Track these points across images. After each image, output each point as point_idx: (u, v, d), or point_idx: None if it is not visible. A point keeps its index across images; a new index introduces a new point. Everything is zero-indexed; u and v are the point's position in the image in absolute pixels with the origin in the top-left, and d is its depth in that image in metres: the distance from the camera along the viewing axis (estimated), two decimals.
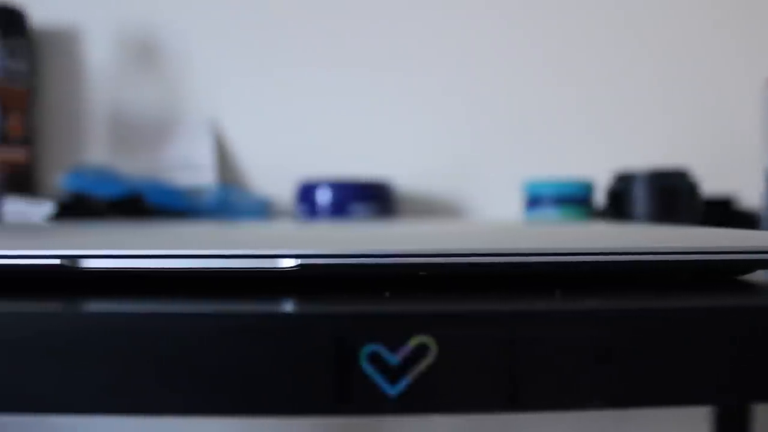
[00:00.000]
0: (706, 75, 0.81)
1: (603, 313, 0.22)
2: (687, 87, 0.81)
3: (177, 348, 0.21)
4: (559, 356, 0.21)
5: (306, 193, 0.68)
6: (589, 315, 0.22)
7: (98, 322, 0.22)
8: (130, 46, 0.81)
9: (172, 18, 0.80)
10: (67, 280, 0.28)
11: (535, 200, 0.64)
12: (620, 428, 0.81)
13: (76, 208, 0.64)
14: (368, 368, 0.20)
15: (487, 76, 0.80)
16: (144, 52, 0.81)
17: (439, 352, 0.20)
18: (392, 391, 0.20)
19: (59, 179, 0.76)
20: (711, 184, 0.79)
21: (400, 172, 0.79)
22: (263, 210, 0.72)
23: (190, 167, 0.76)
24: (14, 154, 0.74)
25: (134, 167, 0.78)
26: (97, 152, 0.81)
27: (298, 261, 0.25)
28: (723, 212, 0.71)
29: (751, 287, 0.28)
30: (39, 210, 0.65)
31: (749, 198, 0.79)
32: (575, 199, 0.63)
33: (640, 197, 0.63)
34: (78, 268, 0.26)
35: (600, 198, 0.70)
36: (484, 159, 0.80)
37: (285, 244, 0.26)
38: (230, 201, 0.69)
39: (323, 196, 0.67)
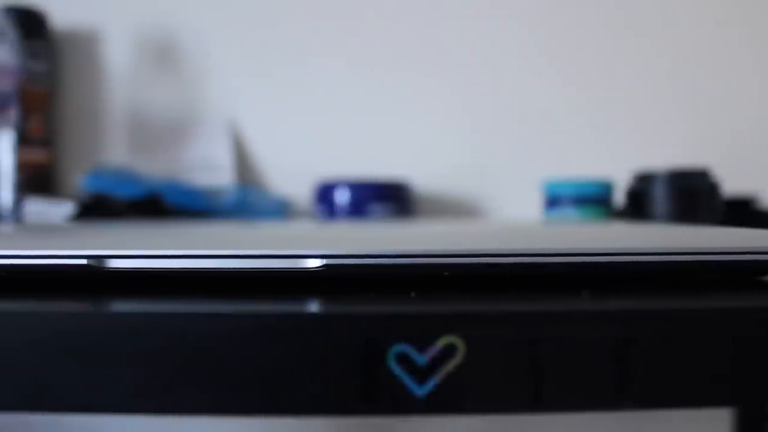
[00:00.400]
0: (726, 74, 0.80)
1: (628, 314, 0.22)
2: (707, 86, 0.80)
3: (204, 348, 0.21)
4: (585, 357, 0.21)
5: (324, 194, 0.68)
6: (615, 315, 0.22)
7: (125, 322, 0.22)
8: (149, 47, 0.81)
9: (191, 19, 0.81)
10: (91, 280, 0.28)
11: (554, 200, 0.64)
12: (640, 429, 0.80)
13: (96, 208, 0.64)
14: (396, 368, 0.20)
15: (506, 76, 0.80)
16: (163, 54, 0.81)
17: (467, 353, 0.20)
18: (420, 391, 0.20)
19: (79, 180, 0.76)
20: (731, 184, 0.78)
21: (418, 172, 0.79)
22: (281, 210, 0.72)
23: (209, 168, 0.76)
24: (35, 155, 0.75)
25: (153, 168, 0.79)
26: (116, 153, 0.81)
27: (324, 261, 0.25)
28: (743, 212, 0.70)
29: None
30: (59, 210, 0.65)
31: None
32: (595, 199, 0.63)
33: (660, 197, 0.62)
34: (104, 268, 0.26)
35: (619, 198, 0.69)
36: (503, 159, 0.79)
37: (310, 245, 0.26)
38: (249, 201, 0.69)
39: (342, 197, 0.67)
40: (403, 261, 0.25)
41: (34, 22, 0.76)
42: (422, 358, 0.20)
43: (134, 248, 0.26)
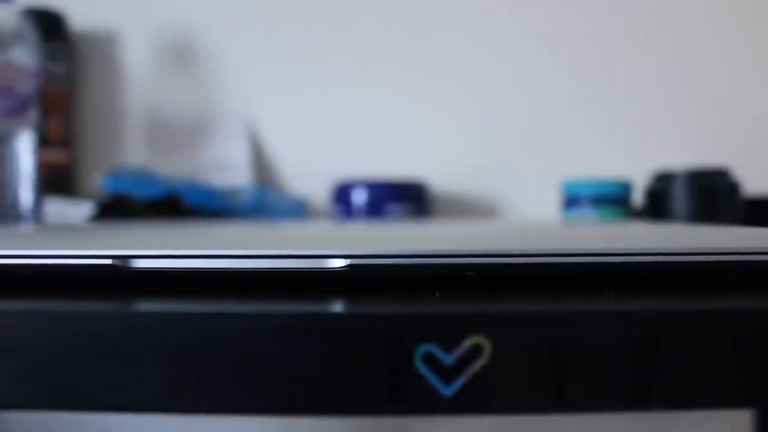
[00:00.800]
0: (747, 72, 0.80)
1: (653, 314, 0.22)
2: (727, 84, 0.80)
3: (229, 348, 0.21)
4: (610, 357, 0.21)
5: (342, 194, 0.69)
6: (641, 316, 0.22)
7: (150, 321, 0.22)
8: (167, 48, 0.82)
9: (208, 20, 0.81)
10: (113, 280, 0.28)
11: (572, 200, 0.64)
12: (657, 428, 0.80)
13: (115, 208, 0.65)
14: (422, 368, 0.20)
15: (524, 75, 0.80)
16: (180, 54, 0.82)
17: (493, 353, 0.20)
18: (446, 391, 0.20)
19: (98, 180, 0.77)
20: (752, 184, 0.77)
21: (435, 172, 0.79)
22: (299, 210, 0.72)
23: (226, 168, 0.76)
24: (54, 156, 0.76)
25: (171, 168, 0.79)
26: (134, 153, 0.82)
27: (348, 261, 0.25)
28: (764, 212, 0.70)
29: None
30: (79, 210, 0.65)
31: None
32: (613, 199, 0.63)
33: (679, 197, 0.62)
34: (129, 268, 0.26)
35: (638, 198, 0.69)
36: (520, 158, 0.79)
37: (333, 245, 0.26)
38: (266, 201, 0.69)
39: (359, 197, 0.67)
40: (427, 261, 0.24)
41: (54, 23, 0.76)
42: (449, 358, 0.20)
43: (158, 248, 0.26)
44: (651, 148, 0.79)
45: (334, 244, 0.27)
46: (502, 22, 0.80)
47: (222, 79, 0.81)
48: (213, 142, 0.79)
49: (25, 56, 0.64)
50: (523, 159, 0.79)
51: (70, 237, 0.33)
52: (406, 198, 0.67)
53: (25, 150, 0.65)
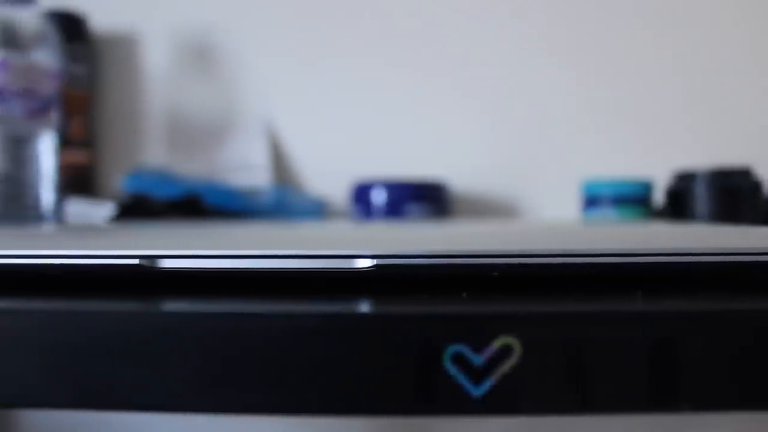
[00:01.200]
0: None
1: (683, 315, 0.22)
2: (749, 82, 0.79)
3: (257, 348, 0.21)
4: (640, 358, 0.21)
5: (361, 194, 0.69)
6: (670, 316, 0.21)
7: (178, 321, 0.22)
8: (187, 49, 0.82)
9: (228, 21, 0.81)
10: (138, 280, 0.28)
11: (592, 200, 0.64)
12: (689, 428, 0.79)
13: (136, 209, 0.65)
14: (452, 369, 0.20)
15: (545, 75, 0.79)
16: (200, 55, 0.82)
17: (523, 353, 0.20)
18: (476, 392, 0.20)
19: (119, 181, 0.77)
20: None
21: (455, 172, 0.79)
22: (318, 211, 0.72)
23: (246, 168, 0.77)
24: (75, 157, 0.76)
25: (191, 168, 0.79)
26: (154, 154, 0.82)
27: (374, 261, 0.25)
28: None
29: None
30: (100, 211, 0.66)
31: None
32: (634, 199, 0.62)
33: (701, 197, 0.61)
34: (156, 268, 0.26)
35: (659, 198, 0.69)
36: (540, 158, 0.79)
37: (357, 245, 0.26)
38: (286, 202, 0.69)
39: (378, 197, 0.67)
40: (454, 261, 0.24)
41: (75, 25, 0.77)
42: (478, 359, 0.20)
43: (184, 248, 0.26)
44: (672, 148, 0.79)
45: (359, 244, 0.26)
46: (522, 23, 0.79)
47: (241, 79, 0.81)
48: (232, 143, 0.79)
49: (47, 58, 0.65)
50: (543, 159, 0.79)
51: (94, 237, 0.33)
52: (425, 198, 0.67)
53: (47, 151, 0.65)
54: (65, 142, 0.73)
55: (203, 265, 0.26)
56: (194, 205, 0.65)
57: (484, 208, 0.79)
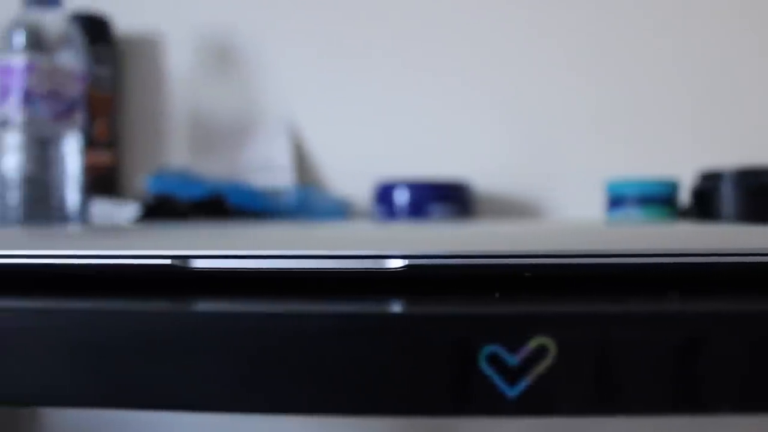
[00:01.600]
0: None
1: (718, 316, 0.21)
2: None
3: (292, 348, 0.21)
4: (677, 359, 0.21)
5: (384, 194, 0.69)
6: (706, 317, 0.21)
7: (210, 321, 0.22)
8: (209, 50, 0.83)
9: (249, 22, 0.82)
10: (167, 280, 0.28)
11: (617, 200, 0.63)
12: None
13: (160, 209, 0.65)
14: (487, 369, 0.20)
15: (568, 73, 0.79)
16: (222, 56, 0.83)
17: (559, 354, 0.20)
18: (511, 392, 0.20)
19: (142, 181, 0.77)
20: None
21: (477, 172, 0.79)
22: (341, 211, 0.72)
23: (269, 168, 0.77)
24: (100, 157, 0.77)
25: (213, 169, 0.80)
26: (177, 155, 0.83)
27: (406, 262, 0.25)
28: None
29: None
30: (124, 211, 0.66)
31: None
32: (660, 199, 0.62)
33: (727, 196, 0.61)
34: (188, 268, 0.26)
35: (684, 197, 0.68)
36: (564, 158, 0.79)
37: (388, 245, 0.26)
38: (309, 202, 0.69)
39: (401, 197, 0.67)
40: (486, 261, 0.24)
41: (99, 27, 0.78)
42: (514, 359, 0.20)
43: (216, 249, 0.26)
44: (698, 147, 0.78)
45: (389, 245, 0.26)
46: (544, 23, 0.79)
47: (263, 80, 0.82)
48: (255, 143, 0.79)
49: (72, 60, 0.65)
50: (566, 159, 0.79)
51: (123, 237, 0.33)
52: (448, 198, 0.67)
53: (72, 152, 0.66)
54: (89, 143, 0.74)
55: (235, 265, 0.26)
56: (218, 205, 0.65)
57: (506, 209, 0.79)
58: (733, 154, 0.78)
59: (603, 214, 0.75)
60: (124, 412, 0.80)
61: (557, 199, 0.79)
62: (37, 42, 0.64)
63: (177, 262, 0.26)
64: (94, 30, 0.76)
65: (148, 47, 0.83)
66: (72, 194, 0.66)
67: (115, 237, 0.33)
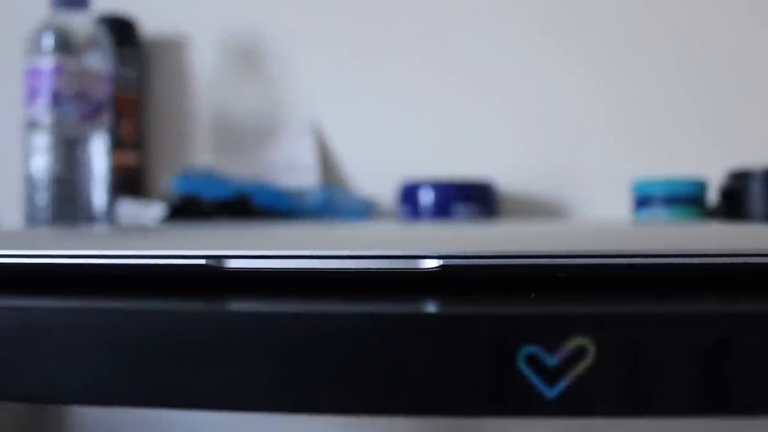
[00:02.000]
0: None
1: (758, 317, 0.21)
2: None
3: (330, 348, 0.21)
4: (717, 360, 0.21)
5: (409, 194, 0.68)
6: (747, 318, 0.21)
7: (246, 321, 0.22)
8: (234, 51, 0.83)
9: (274, 22, 0.82)
10: (198, 280, 0.28)
11: (644, 200, 0.63)
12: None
13: (186, 209, 0.66)
14: (525, 369, 0.20)
15: (593, 72, 0.78)
16: (247, 57, 0.83)
17: (597, 354, 0.20)
18: (550, 393, 0.20)
19: (168, 181, 0.78)
20: None
21: (502, 172, 0.78)
22: (366, 211, 0.72)
23: (293, 169, 0.77)
24: (126, 158, 0.77)
25: (238, 169, 0.80)
26: (202, 155, 0.83)
27: (441, 262, 0.25)
28: None
29: None
30: (151, 211, 0.67)
31: None
32: (687, 199, 0.61)
33: (756, 196, 0.60)
34: (222, 268, 0.26)
35: (712, 197, 0.67)
36: (589, 158, 0.78)
37: (422, 245, 0.26)
38: (333, 202, 0.69)
39: (426, 197, 0.67)
40: (521, 261, 0.24)
41: (125, 29, 0.78)
42: (552, 360, 0.20)
43: (250, 249, 0.26)
44: (726, 146, 0.77)
45: (422, 245, 0.26)
46: (569, 22, 0.79)
47: (288, 80, 0.82)
48: (279, 143, 0.80)
49: (99, 62, 0.66)
50: (592, 158, 0.78)
51: (154, 238, 0.33)
52: (473, 198, 0.67)
53: (98, 153, 0.66)
54: (115, 144, 0.74)
55: (270, 265, 0.26)
56: (244, 205, 0.66)
57: (530, 209, 0.78)
58: (763, 153, 0.77)
59: (629, 215, 0.75)
60: (150, 412, 0.81)
61: (582, 200, 0.78)
62: (65, 44, 0.65)
63: (211, 262, 0.26)
64: (121, 32, 0.77)
65: (173, 48, 0.84)
66: (98, 195, 0.66)
67: (147, 237, 0.33)
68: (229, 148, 0.83)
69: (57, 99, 0.64)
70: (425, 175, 0.79)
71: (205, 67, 0.83)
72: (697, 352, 0.21)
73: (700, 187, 0.62)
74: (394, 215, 0.77)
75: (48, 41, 0.64)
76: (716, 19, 0.78)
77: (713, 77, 0.78)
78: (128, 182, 0.78)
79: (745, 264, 0.26)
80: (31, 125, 0.65)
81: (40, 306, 0.24)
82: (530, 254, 0.24)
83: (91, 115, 0.66)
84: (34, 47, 0.65)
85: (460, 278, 0.26)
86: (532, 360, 0.20)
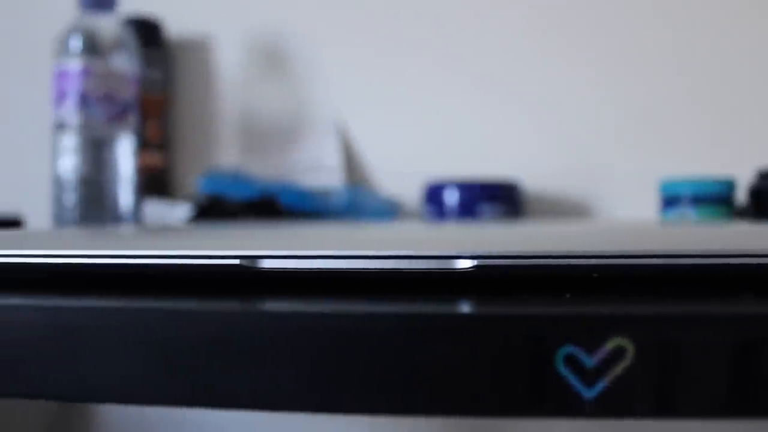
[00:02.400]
0: None
1: None
2: None
3: (367, 348, 0.21)
4: (757, 361, 0.20)
5: (434, 194, 0.68)
6: None
7: (280, 321, 0.22)
8: (259, 51, 0.83)
9: (298, 22, 0.82)
10: (231, 280, 0.28)
11: (671, 200, 0.62)
12: None
13: (212, 210, 0.66)
14: (564, 370, 0.20)
15: (619, 70, 0.78)
16: (272, 57, 0.83)
17: (636, 355, 0.20)
18: (588, 394, 0.20)
19: (193, 182, 0.78)
20: None
21: (527, 172, 0.78)
22: (391, 211, 0.72)
23: (318, 169, 0.77)
24: (152, 159, 0.78)
25: (263, 170, 0.80)
26: (227, 156, 0.84)
27: (475, 262, 0.25)
28: None
29: None
30: (177, 212, 0.67)
31: None
32: (716, 199, 0.61)
33: None
34: (256, 268, 0.26)
35: (741, 197, 0.67)
36: (615, 157, 0.78)
37: (454, 245, 0.26)
38: (359, 202, 0.70)
39: (451, 197, 0.67)
40: (557, 262, 0.24)
41: (150, 31, 0.79)
42: (591, 361, 0.20)
43: (284, 249, 0.26)
44: (755, 145, 0.76)
45: (454, 245, 0.26)
46: (597, 21, 0.78)
47: (312, 80, 0.82)
48: (304, 144, 0.80)
49: (125, 63, 0.67)
50: (618, 158, 0.77)
51: (185, 238, 0.33)
52: (498, 198, 0.67)
53: (125, 154, 0.67)
54: (141, 145, 0.75)
55: (304, 265, 0.26)
56: (270, 205, 0.66)
57: (556, 209, 0.78)
58: None
59: (655, 214, 0.74)
60: (175, 412, 0.81)
61: (607, 199, 0.78)
62: (92, 46, 0.65)
63: (245, 262, 0.26)
64: (146, 33, 0.77)
65: (198, 49, 0.84)
66: (125, 195, 0.67)
67: (178, 237, 0.34)
68: (254, 148, 0.83)
69: (85, 100, 0.65)
70: (450, 176, 0.78)
71: (229, 68, 0.84)
72: (737, 353, 0.20)
73: (729, 186, 0.61)
74: (419, 215, 0.76)
75: (76, 43, 0.65)
76: (748, 14, 0.77)
77: (743, 74, 0.77)
78: (154, 183, 0.78)
79: None
80: (60, 126, 0.65)
81: (74, 306, 0.24)
82: (566, 254, 0.24)
83: (118, 116, 0.66)
84: (62, 49, 0.65)
85: (494, 279, 0.26)
86: (570, 361, 0.20)
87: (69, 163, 0.65)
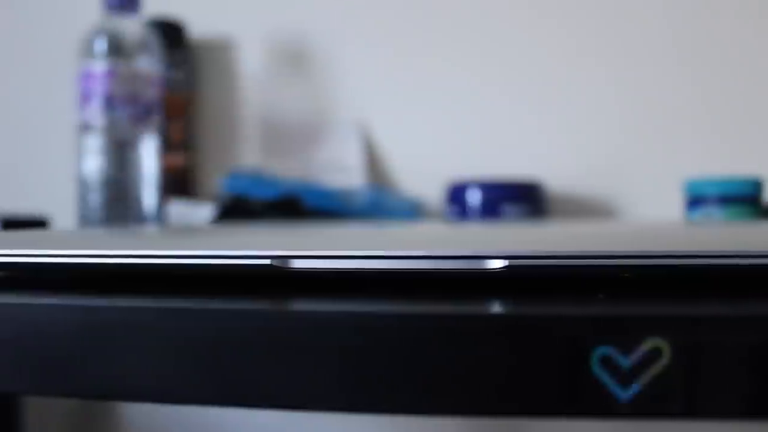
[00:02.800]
0: None
1: None
2: None
3: (400, 348, 0.21)
4: None
5: (456, 194, 0.68)
6: None
7: (312, 321, 0.22)
8: (281, 52, 0.84)
9: (321, 23, 0.83)
10: (260, 280, 0.29)
11: (697, 200, 0.62)
12: None
13: (236, 209, 0.66)
14: (599, 371, 0.20)
15: (643, 69, 0.77)
16: (294, 58, 0.84)
17: (672, 356, 0.20)
18: (624, 395, 0.20)
19: (216, 182, 0.79)
20: None
21: (551, 172, 0.78)
22: (413, 211, 0.72)
23: (340, 169, 0.78)
24: (175, 159, 0.78)
25: (286, 170, 0.81)
26: (250, 156, 0.84)
27: (506, 262, 0.25)
28: None
29: None
30: (201, 212, 0.68)
31: None
32: (742, 198, 0.60)
33: None
34: (287, 268, 0.26)
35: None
36: (639, 157, 0.77)
37: (488, 245, 0.26)
38: (381, 202, 0.70)
39: (474, 197, 0.67)
40: (589, 262, 0.24)
41: (174, 32, 0.79)
42: (626, 361, 0.20)
43: (315, 249, 0.26)
44: None
45: (484, 245, 0.26)
46: (619, 20, 0.78)
47: (335, 81, 0.82)
48: (326, 144, 0.80)
49: (149, 65, 0.67)
50: (642, 157, 0.77)
51: (213, 237, 0.33)
52: (521, 198, 0.67)
53: (149, 154, 0.67)
54: (165, 146, 0.75)
55: (335, 265, 0.26)
56: (293, 205, 0.66)
57: (580, 209, 0.78)
58: None
59: (680, 214, 0.74)
60: (198, 412, 0.82)
61: (631, 199, 0.77)
62: (117, 48, 0.66)
63: (276, 262, 0.26)
64: (170, 35, 0.78)
65: (221, 51, 0.85)
66: (149, 195, 0.67)
67: (207, 237, 0.34)
68: (277, 148, 0.83)
69: (109, 102, 0.65)
70: (473, 176, 0.78)
71: (252, 69, 0.84)
72: None
73: (756, 186, 0.61)
74: (441, 216, 0.76)
75: (101, 45, 0.65)
76: (763, 15, 0.76)
77: (765, 74, 0.76)
78: (178, 183, 0.79)
79: None
80: (85, 128, 0.66)
81: (107, 305, 0.24)
82: (598, 254, 0.24)
83: (142, 117, 0.67)
84: (87, 51, 0.66)
85: (526, 279, 0.26)
86: (606, 361, 0.20)
87: (94, 163, 0.66)
